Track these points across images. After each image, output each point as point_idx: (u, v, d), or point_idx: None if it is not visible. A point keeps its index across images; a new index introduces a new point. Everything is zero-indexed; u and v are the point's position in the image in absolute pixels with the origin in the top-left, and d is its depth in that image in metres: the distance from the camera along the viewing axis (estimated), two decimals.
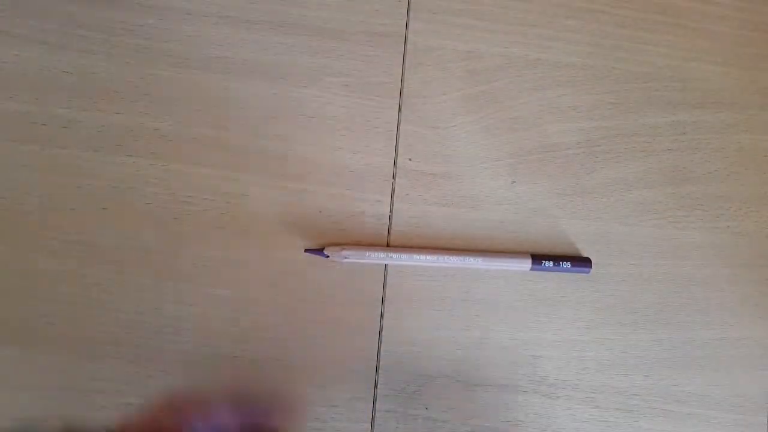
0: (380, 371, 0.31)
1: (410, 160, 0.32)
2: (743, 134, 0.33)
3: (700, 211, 0.32)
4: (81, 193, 0.30)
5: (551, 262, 0.31)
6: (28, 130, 0.31)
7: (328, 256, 0.30)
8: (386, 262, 0.31)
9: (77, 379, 0.30)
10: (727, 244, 0.32)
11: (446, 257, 0.30)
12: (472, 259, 0.30)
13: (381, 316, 0.31)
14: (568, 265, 0.31)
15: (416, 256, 0.30)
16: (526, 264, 0.30)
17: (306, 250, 0.30)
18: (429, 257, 0.30)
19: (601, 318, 0.31)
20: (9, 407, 0.29)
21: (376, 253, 0.30)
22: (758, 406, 0.31)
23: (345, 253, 0.30)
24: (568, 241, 0.32)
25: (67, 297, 0.30)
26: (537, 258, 0.31)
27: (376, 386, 0.31)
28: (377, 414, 0.30)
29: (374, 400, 0.30)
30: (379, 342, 0.31)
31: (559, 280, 0.31)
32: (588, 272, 0.31)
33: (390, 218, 0.31)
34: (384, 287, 0.31)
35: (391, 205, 0.31)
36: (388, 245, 0.31)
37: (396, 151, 0.32)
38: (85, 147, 0.31)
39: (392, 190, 0.32)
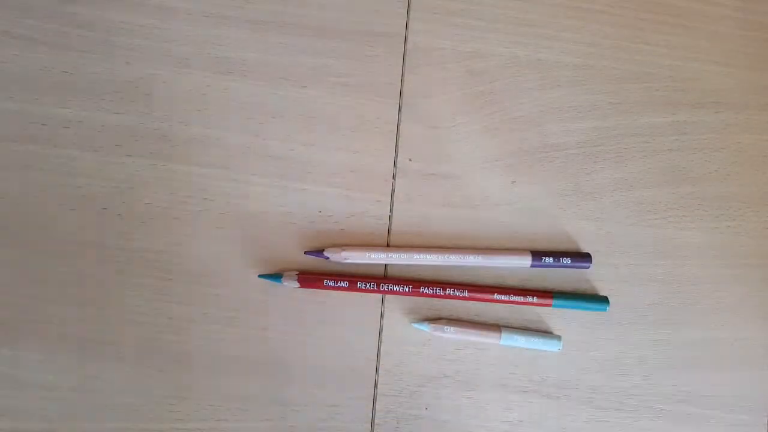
0: (380, 371, 0.31)
1: (410, 160, 0.32)
2: (743, 134, 0.33)
3: (700, 211, 0.32)
4: (81, 193, 0.30)
5: (551, 259, 0.31)
6: (28, 130, 0.31)
7: (328, 258, 0.30)
8: (386, 262, 0.31)
9: (78, 379, 0.30)
10: (727, 244, 0.32)
11: (446, 256, 0.30)
12: (472, 257, 0.30)
13: (381, 316, 0.31)
14: (568, 260, 0.31)
15: (416, 256, 0.30)
16: (526, 261, 0.30)
17: (306, 252, 0.30)
18: (429, 257, 0.30)
19: (601, 318, 0.31)
20: (9, 407, 0.29)
21: (376, 254, 0.30)
22: (758, 406, 0.31)
23: (345, 254, 0.30)
24: (568, 241, 0.32)
25: (67, 297, 0.30)
26: (537, 255, 0.31)
27: (376, 386, 0.31)
28: (377, 414, 0.30)
29: (374, 400, 0.30)
30: (379, 342, 0.31)
31: (559, 280, 0.31)
32: (588, 267, 0.31)
33: (390, 218, 0.31)
34: None
35: (391, 205, 0.31)
36: (388, 245, 0.31)
37: (396, 151, 0.32)
38: (85, 147, 0.31)
39: (392, 190, 0.32)
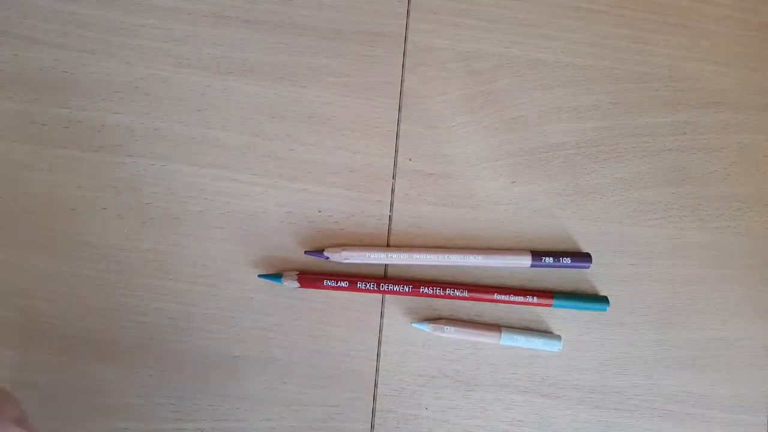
0: (380, 371, 0.31)
1: (410, 160, 0.32)
2: (743, 134, 0.33)
3: (700, 211, 0.32)
4: (81, 193, 0.30)
5: (551, 258, 0.31)
6: (28, 130, 0.31)
7: (328, 258, 0.30)
8: (386, 262, 0.31)
9: (77, 379, 0.30)
10: (727, 244, 0.32)
11: (446, 256, 0.30)
12: (472, 257, 0.30)
13: (381, 316, 0.31)
14: (568, 260, 0.31)
15: (416, 256, 0.30)
16: (526, 261, 0.30)
17: (306, 252, 0.30)
18: (429, 257, 0.30)
19: (601, 318, 0.31)
20: None
21: (376, 254, 0.30)
22: (758, 406, 0.31)
23: (345, 254, 0.30)
24: (568, 241, 0.32)
25: (67, 297, 0.30)
26: (537, 254, 0.31)
27: (376, 386, 0.31)
28: (377, 414, 0.30)
29: (374, 400, 0.31)
30: (379, 342, 0.31)
31: (559, 280, 0.31)
32: (588, 267, 0.31)
33: (390, 218, 0.31)
34: None
35: (391, 205, 0.31)
36: (388, 245, 0.31)
37: (396, 151, 0.32)
38: (85, 147, 0.31)
39: (392, 190, 0.32)
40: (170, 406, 0.30)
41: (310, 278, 0.30)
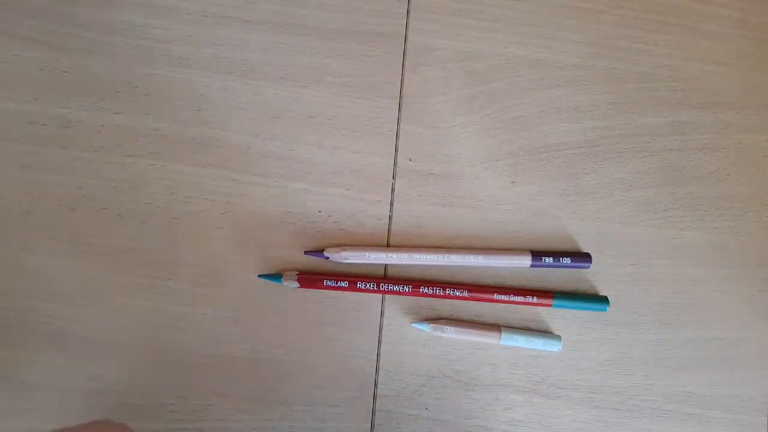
0: (380, 371, 0.31)
1: (410, 160, 0.32)
2: (743, 134, 0.33)
3: (700, 211, 0.32)
4: (81, 193, 0.30)
5: (551, 258, 0.31)
6: (28, 130, 0.31)
7: (328, 257, 0.30)
8: (386, 262, 0.31)
9: (77, 379, 0.30)
10: (727, 244, 0.32)
11: (446, 256, 0.30)
12: (472, 257, 0.30)
13: (381, 315, 0.31)
14: (567, 260, 0.31)
15: (416, 256, 0.30)
16: (526, 261, 0.30)
17: (306, 252, 0.30)
18: (429, 256, 0.30)
19: (601, 318, 0.31)
20: (9, 407, 0.29)
21: (376, 254, 0.30)
22: (758, 406, 0.31)
23: (345, 254, 0.30)
24: (568, 241, 0.32)
25: (67, 297, 0.30)
26: (537, 254, 0.31)
27: (376, 386, 0.31)
28: (377, 414, 0.30)
29: (374, 400, 0.31)
30: (379, 342, 0.31)
31: (559, 280, 0.31)
32: (588, 267, 0.31)
33: (390, 218, 0.31)
34: None
35: (391, 205, 0.31)
36: (388, 245, 0.31)
37: (396, 151, 0.32)
38: (85, 147, 0.31)
39: (392, 190, 0.32)
40: (170, 406, 0.30)
41: (310, 278, 0.30)
